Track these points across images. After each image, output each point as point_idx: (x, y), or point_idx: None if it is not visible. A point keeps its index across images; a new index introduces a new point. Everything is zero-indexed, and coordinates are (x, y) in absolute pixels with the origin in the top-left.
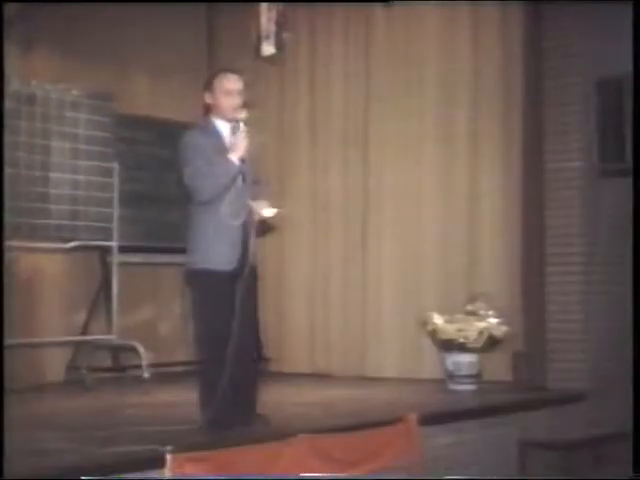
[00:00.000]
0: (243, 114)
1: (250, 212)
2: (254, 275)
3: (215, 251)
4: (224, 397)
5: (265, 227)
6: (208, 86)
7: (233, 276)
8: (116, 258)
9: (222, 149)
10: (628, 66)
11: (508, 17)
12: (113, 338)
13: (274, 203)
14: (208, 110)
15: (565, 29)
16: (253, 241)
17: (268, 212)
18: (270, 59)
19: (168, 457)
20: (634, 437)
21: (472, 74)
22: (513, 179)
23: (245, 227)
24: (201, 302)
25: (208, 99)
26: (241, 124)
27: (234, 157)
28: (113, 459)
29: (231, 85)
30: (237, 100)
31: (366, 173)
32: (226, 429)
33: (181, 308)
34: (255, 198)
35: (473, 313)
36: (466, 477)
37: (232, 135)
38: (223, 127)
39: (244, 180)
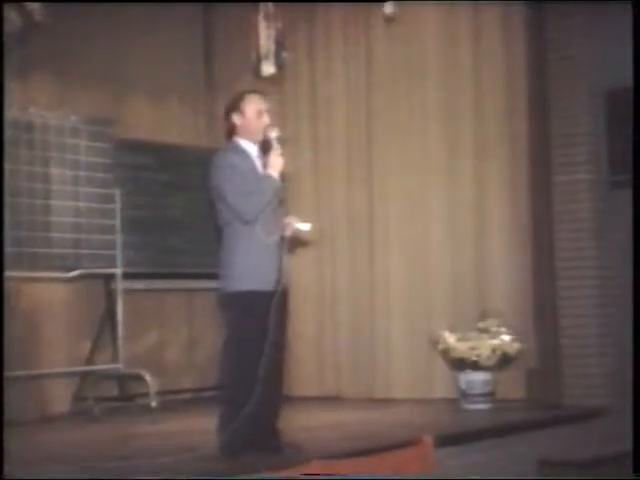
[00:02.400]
0: (275, 132)
1: (282, 230)
2: (286, 295)
3: (258, 271)
4: (247, 421)
5: (296, 243)
6: (236, 108)
7: (270, 296)
8: (120, 285)
9: (254, 169)
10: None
11: (510, 26)
12: (119, 367)
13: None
14: (233, 131)
15: (571, 37)
16: (285, 259)
17: (304, 226)
18: (270, 79)
19: None
20: (634, 438)
21: (475, 86)
22: (521, 193)
23: (279, 245)
24: (239, 324)
25: (237, 120)
26: (274, 142)
27: (274, 173)
28: None
29: (262, 106)
30: (267, 121)
31: (370, 191)
32: (243, 453)
33: (188, 334)
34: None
35: (485, 330)
36: None
37: (265, 154)
38: (250, 148)
39: (280, 199)
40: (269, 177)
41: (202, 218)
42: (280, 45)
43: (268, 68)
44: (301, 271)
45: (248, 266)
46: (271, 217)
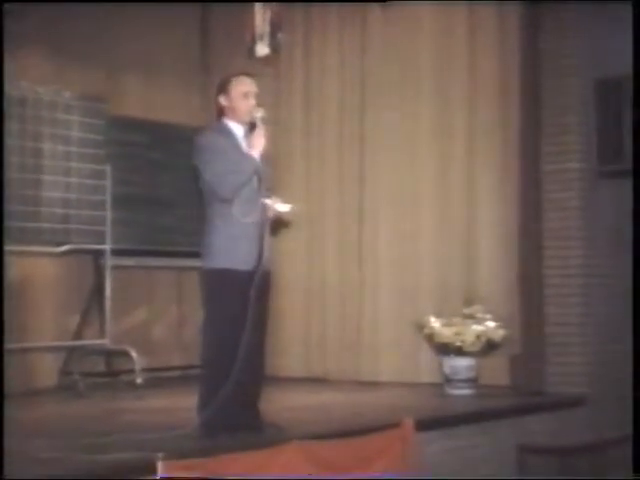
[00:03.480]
0: (260, 113)
1: (264, 211)
2: (268, 278)
3: (234, 250)
4: (227, 400)
5: (279, 225)
6: (223, 90)
7: (249, 276)
8: (109, 261)
9: (238, 149)
10: (627, 67)
11: (505, 18)
12: (106, 343)
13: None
14: (221, 113)
15: (563, 29)
16: (268, 240)
17: (283, 207)
18: (264, 60)
19: (159, 464)
20: (634, 438)
21: (469, 75)
22: (510, 181)
23: (260, 226)
24: (217, 303)
25: (224, 102)
26: (259, 122)
27: (254, 153)
28: (103, 467)
29: (248, 88)
30: (253, 102)
31: (362, 175)
32: (224, 433)
33: (176, 312)
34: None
35: (470, 316)
36: None
37: (249, 134)
38: (237, 129)
39: (260, 179)
40: (247, 157)
41: (193, 197)
42: (275, 27)
43: (262, 49)
44: (290, 253)
45: (224, 245)
46: (250, 197)
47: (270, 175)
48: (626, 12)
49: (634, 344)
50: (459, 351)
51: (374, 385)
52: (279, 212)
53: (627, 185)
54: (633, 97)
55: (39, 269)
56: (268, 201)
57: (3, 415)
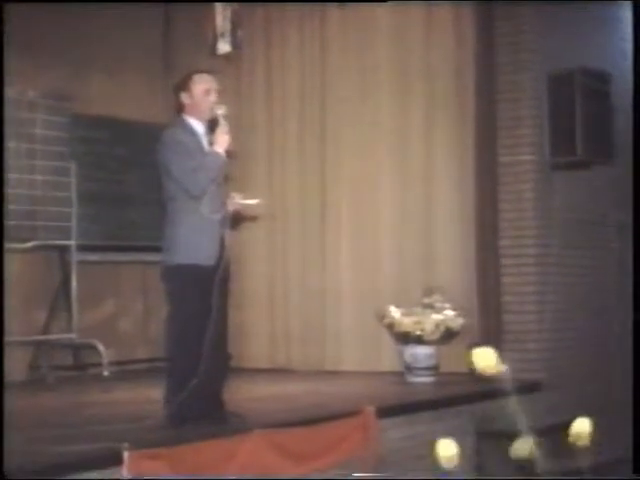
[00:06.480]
0: (222, 109)
1: (225, 206)
2: (228, 271)
3: (198, 246)
4: (193, 392)
5: (239, 219)
6: (184, 87)
7: (212, 271)
8: (75, 257)
9: (200, 146)
10: (578, 61)
11: (461, 14)
12: (73, 337)
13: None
14: (181, 109)
15: (517, 25)
16: (228, 234)
17: (250, 201)
18: (226, 57)
19: (125, 455)
20: (634, 437)
21: (426, 70)
22: (467, 173)
23: (222, 221)
24: (181, 298)
25: (185, 99)
26: (221, 119)
27: (220, 150)
28: (70, 458)
29: (209, 85)
30: (214, 99)
31: (324, 170)
32: (188, 423)
33: (142, 306)
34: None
35: (430, 306)
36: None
37: (212, 130)
38: (197, 126)
39: (225, 176)
40: (214, 153)
41: (156, 192)
42: (236, 24)
43: (224, 47)
44: (253, 246)
45: (191, 240)
46: (216, 194)
47: (231, 171)
48: (578, 8)
49: (634, 344)
50: (419, 340)
51: (337, 374)
52: (247, 206)
53: (579, 176)
54: (633, 96)
55: (6, 265)
56: (236, 196)
57: (3, 411)
